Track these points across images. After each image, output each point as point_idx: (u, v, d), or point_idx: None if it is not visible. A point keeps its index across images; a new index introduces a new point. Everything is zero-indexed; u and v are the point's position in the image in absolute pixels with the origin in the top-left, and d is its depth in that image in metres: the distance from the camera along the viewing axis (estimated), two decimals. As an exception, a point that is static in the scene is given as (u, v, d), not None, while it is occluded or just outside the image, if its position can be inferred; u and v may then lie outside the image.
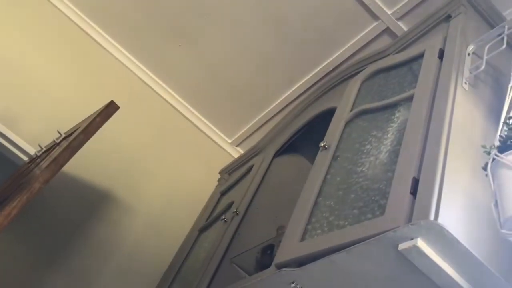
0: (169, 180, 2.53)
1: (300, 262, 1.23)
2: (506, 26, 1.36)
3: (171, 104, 2.64)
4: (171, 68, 2.56)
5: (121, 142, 2.43)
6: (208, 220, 2.16)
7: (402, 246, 0.98)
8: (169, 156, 2.59)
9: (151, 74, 2.60)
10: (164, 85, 2.63)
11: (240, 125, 2.67)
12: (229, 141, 2.75)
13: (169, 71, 2.59)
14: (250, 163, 2.22)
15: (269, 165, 2.06)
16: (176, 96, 2.65)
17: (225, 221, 1.90)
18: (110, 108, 1.77)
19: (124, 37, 2.52)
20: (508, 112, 1.00)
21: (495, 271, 0.97)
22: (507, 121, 0.95)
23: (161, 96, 2.63)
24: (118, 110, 1.77)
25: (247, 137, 2.68)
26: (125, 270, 2.25)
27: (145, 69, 2.59)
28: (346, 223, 1.20)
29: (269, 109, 2.51)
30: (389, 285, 1.10)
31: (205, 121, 2.72)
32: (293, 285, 1.23)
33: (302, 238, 1.29)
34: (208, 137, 2.72)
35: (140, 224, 2.38)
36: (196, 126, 2.69)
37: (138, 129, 2.52)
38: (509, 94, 1.06)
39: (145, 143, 2.52)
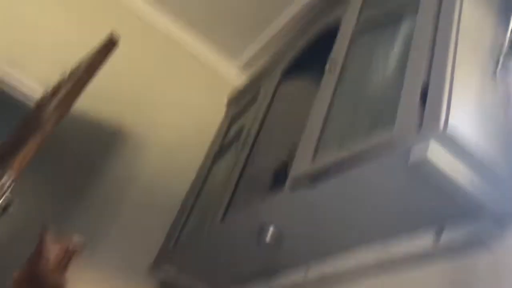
0: (178, 110, 2.54)
1: (313, 178, 1.25)
2: None
3: (173, 33, 2.60)
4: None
5: (126, 77, 2.42)
6: (220, 148, 2.18)
7: (413, 155, 0.98)
8: (176, 87, 2.58)
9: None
10: (164, 11, 2.55)
11: (245, 48, 2.62)
12: (235, 66, 2.72)
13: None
14: (257, 87, 2.20)
15: (277, 86, 2.03)
16: (178, 22, 2.58)
17: (237, 147, 1.92)
18: (111, 41, 1.75)
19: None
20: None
21: (505, 175, 0.98)
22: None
23: (162, 25, 2.57)
24: (121, 46, 1.75)
25: (253, 60, 2.63)
26: (144, 202, 2.31)
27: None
28: (357, 137, 1.21)
29: (273, 28, 2.44)
30: (400, 196, 1.13)
31: (209, 47, 2.67)
32: (307, 201, 1.27)
33: (314, 155, 1.30)
34: (214, 64, 2.69)
35: (154, 157, 2.41)
36: (200, 53, 2.66)
37: (142, 62, 2.50)
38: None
39: (150, 76, 2.51)
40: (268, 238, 1.47)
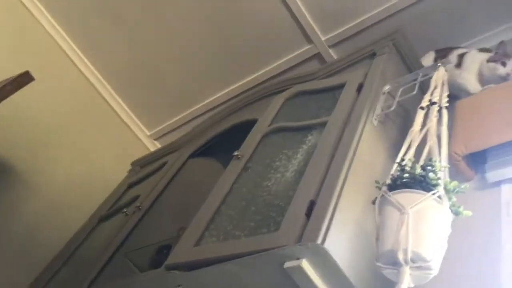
0: (78, 162, 2.43)
1: (191, 267, 1.23)
2: (421, 74, 1.46)
3: (93, 84, 2.55)
4: (99, 45, 2.47)
5: (32, 114, 2.31)
6: (110, 210, 2.10)
7: (287, 264, 1.01)
8: (82, 138, 2.48)
9: (75, 47, 2.50)
10: (88, 62, 2.53)
11: (162, 119, 2.63)
12: (148, 133, 2.70)
13: (96, 48, 2.48)
14: (164, 160, 2.19)
15: (183, 164, 2.04)
16: (100, 77, 2.56)
17: (127, 214, 1.86)
18: (24, 78, 1.69)
19: (52, 3, 2.40)
20: (404, 154, 1.07)
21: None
22: (401, 163, 1.02)
23: (83, 74, 2.52)
24: (37, 81, 1.69)
25: (167, 133, 2.65)
26: (18, 249, 2.12)
27: (70, 41, 2.48)
28: (242, 235, 1.22)
29: (194, 108, 2.51)
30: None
31: (127, 108, 2.65)
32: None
33: (197, 244, 1.29)
34: (127, 125, 2.65)
35: (40, 203, 2.25)
36: (116, 112, 2.61)
37: (53, 104, 2.40)
38: (409, 138, 1.13)
39: (58, 120, 2.40)
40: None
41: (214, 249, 1.22)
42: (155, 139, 2.72)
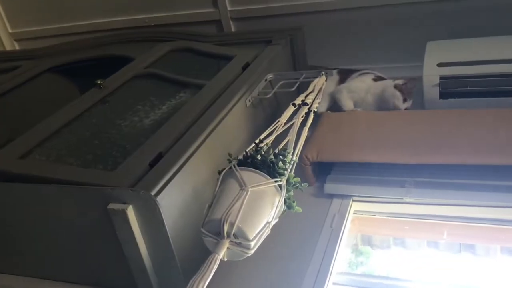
0: None
1: (10, 178, 1.10)
2: (304, 75, 1.51)
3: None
4: None
5: None
6: None
7: (112, 206, 0.96)
8: None
9: None
10: None
11: (31, 23, 2.35)
12: (10, 31, 2.40)
13: None
14: (17, 63, 1.96)
15: (38, 75, 1.85)
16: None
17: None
18: None
19: None
20: (264, 139, 1.08)
21: (180, 265, 1.01)
22: (258, 144, 1.03)
23: None
24: None
25: (31, 38, 2.37)
26: None
27: None
28: (75, 163, 1.13)
29: (70, 24, 2.29)
30: (84, 235, 1.06)
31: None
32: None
33: (23, 157, 1.16)
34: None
35: None
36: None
37: None
38: (273, 126, 1.15)
39: None
40: None
41: (40, 167, 1.11)
42: (16, 40, 2.42)
